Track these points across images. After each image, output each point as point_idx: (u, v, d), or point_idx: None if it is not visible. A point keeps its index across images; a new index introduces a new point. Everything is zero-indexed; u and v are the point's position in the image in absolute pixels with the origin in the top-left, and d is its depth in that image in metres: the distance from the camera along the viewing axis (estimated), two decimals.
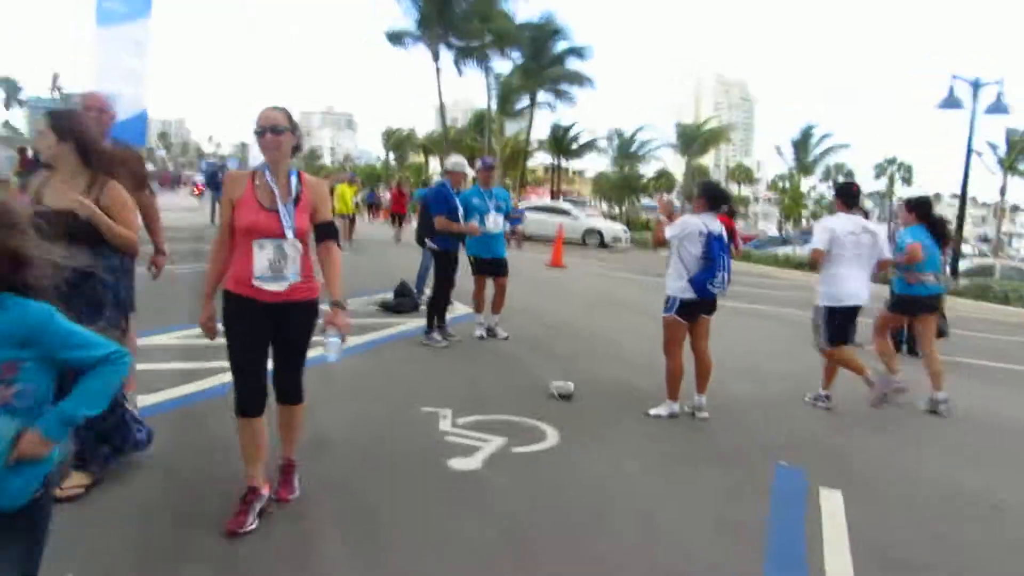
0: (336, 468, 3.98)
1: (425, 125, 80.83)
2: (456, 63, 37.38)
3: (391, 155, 74.66)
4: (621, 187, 45.46)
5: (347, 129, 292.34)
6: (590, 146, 45.49)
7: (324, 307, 3.27)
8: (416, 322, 8.21)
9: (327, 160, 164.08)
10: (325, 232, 3.26)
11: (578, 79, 36.16)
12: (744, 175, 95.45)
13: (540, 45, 35.68)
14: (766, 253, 23.90)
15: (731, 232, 5.87)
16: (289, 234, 3.09)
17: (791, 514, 3.80)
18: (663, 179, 62.07)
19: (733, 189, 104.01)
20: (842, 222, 5.71)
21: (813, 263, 5.96)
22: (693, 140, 44.40)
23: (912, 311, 6.23)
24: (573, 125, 44.23)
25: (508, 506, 3.66)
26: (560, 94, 36.60)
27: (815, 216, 50.73)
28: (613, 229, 27.89)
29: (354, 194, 17.97)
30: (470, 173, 7.41)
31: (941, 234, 6.24)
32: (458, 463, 4.15)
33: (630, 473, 4.24)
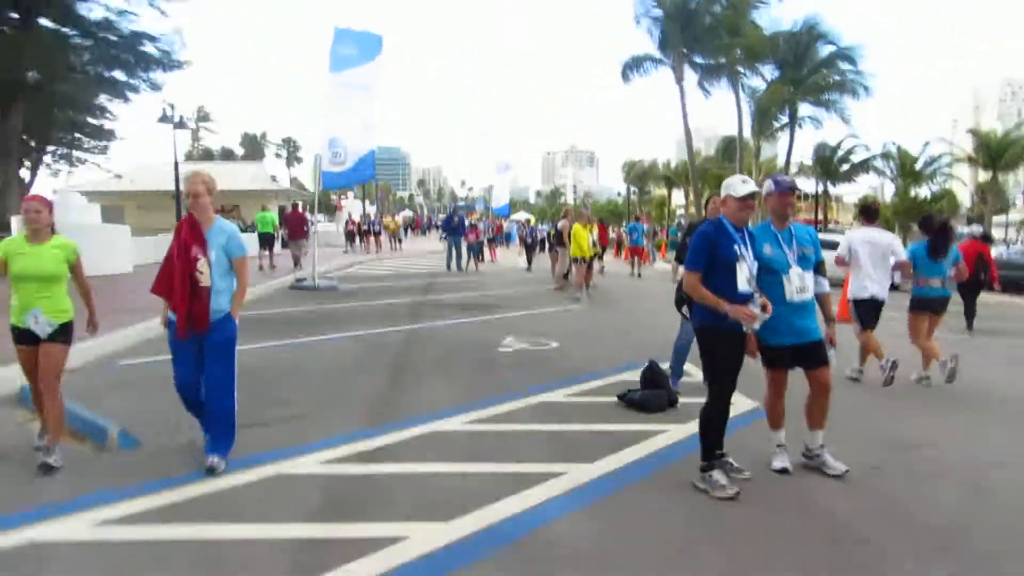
0: None
1: (665, 158, 77.68)
2: (700, 84, 34.26)
3: (631, 189, 72.26)
4: (904, 212, 37.83)
5: (588, 167, 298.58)
6: (864, 166, 38.89)
7: None
8: (677, 429, 5.48)
9: (569, 198, 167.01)
10: None
11: (848, 87, 30.95)
12: None
13: (800, 52, 31.21)
14: None
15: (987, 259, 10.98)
16: None
17: None
18: (945, 200, 52.26)
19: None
20: (860, 234, 7.53)
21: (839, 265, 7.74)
22: (1001, 152, 35.92)
23: (922, 308, 7.66)
24: (843, 142, 38.17)
25: None
26: (828, 104, 31.55)
27: None
28: None
29: (590, 233, 15.62)
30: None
31: (939, 246, 7.62)
32: None
33: None
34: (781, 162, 35.88)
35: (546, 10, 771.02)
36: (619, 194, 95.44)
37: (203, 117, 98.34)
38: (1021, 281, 22.78)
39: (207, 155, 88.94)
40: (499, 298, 15.25)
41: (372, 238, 32.99)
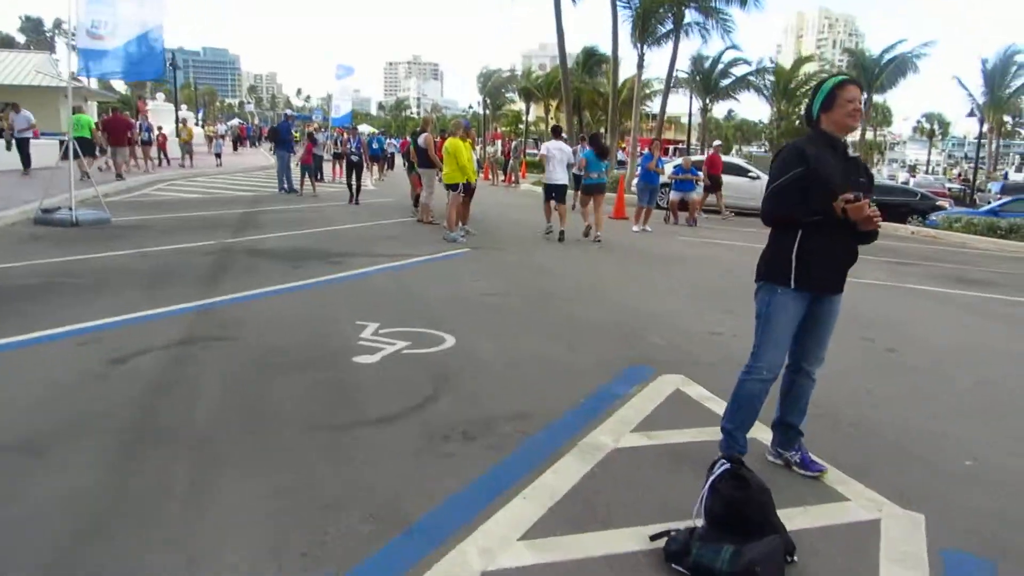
0: None
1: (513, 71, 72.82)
2: None
3: (486, 102, 67.28)
4: (786, 133, 36.48)
5: (433, 80, 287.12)
6: (743, 81, 36.92)
7: None
8: None
9: (414, 110, 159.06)
10: None
11: None
12: (881, 117, 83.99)
13: None
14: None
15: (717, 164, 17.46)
16: None
17: None
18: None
19: (868, 133, 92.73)
20: (552, 143, 12.31)
21: (541, 163, 14.79)
22: (877, 72, 35.19)
23: (588, 192, 12.28)
24: (723, 54, 35.69)
25: None
26: (713, 13, 28.54)
27: None
28: None
29: (472, 152, 11.63)
30: None
31: (600, 152, 12.34)
32: None
33: None
34: (659, 74, 33.08)
35: None
36: (470, 107, 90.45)
37: None
38: (901, 207, 22.05)
39: None
40: (345, 238, 11.01)
41: (149, 148, 24.81)
